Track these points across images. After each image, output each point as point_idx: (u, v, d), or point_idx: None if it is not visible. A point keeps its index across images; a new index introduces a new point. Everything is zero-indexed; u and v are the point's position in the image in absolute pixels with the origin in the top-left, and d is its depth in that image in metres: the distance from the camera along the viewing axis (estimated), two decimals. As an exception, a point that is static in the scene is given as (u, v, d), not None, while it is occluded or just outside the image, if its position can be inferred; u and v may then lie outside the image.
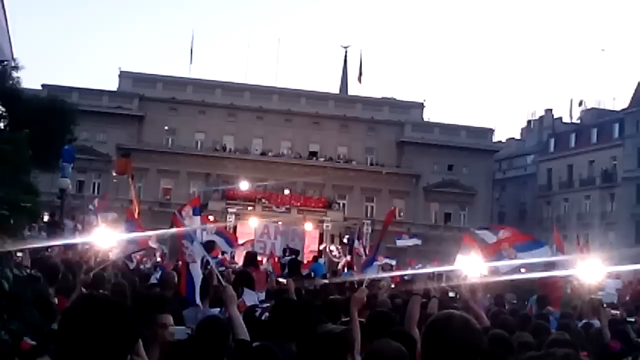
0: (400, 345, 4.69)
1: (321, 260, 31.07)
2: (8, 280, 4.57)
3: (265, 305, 7.62)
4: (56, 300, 8.07)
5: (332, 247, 32.76)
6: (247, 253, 17.62)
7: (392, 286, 17.86)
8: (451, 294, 13.57)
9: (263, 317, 6.99)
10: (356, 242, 27.53)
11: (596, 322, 10.04)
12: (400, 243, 24.20)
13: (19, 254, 8.33)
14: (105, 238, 16.92)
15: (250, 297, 9.40)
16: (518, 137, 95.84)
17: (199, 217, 16.93)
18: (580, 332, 9.23)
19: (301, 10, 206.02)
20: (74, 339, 2.74)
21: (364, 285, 8.76)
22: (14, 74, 42.78)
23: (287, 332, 5.50)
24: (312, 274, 22.81)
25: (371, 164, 76.98)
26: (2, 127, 41.27)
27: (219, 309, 8.29)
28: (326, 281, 17.11)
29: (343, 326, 6.25)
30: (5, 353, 4.25)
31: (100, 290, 9.60)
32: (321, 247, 40.43)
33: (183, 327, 6.27)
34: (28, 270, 6.54)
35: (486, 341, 3.82)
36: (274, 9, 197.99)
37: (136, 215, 26.69)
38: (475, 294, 7.42)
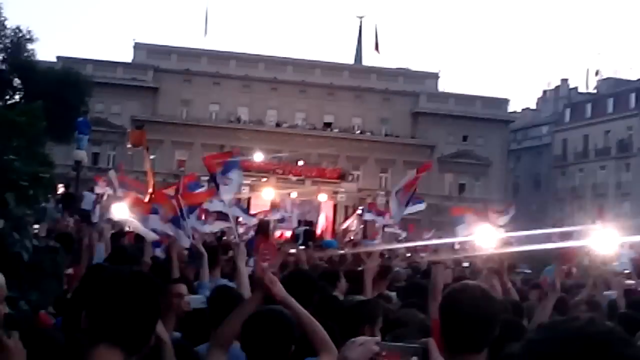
0: (424, 318, 4.72)
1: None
2: (27, 251, 4.60)
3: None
4: (71, 271, 8.15)
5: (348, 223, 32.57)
6: (260, 221, 17.53)
7: (408, 255, 17.90)
8: (465, 264, 13.60)
9: None
10: (367, 214, 27.33)
11: (612, 294, 10.03)
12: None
13: (36, 225, 8.37)
14: (122, 211, 16.94)
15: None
16: (533, 107, 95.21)
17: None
18: (598, 302, 9.22)
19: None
20: (101, 312, 2.76)
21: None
22: (29, 46, 42.93)
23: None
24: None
25: (386, 135, 76.73)
26: (18, 99, 41.44)
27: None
28: (342, 252, 17.10)
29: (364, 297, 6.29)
30: (25, 323, 4.29)
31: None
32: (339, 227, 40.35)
33: (200, 296, 6.33)
34: (45, 241, 6.59)
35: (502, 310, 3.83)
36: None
37: (151, 189, 26.70)
38: (501, 265, 7.38)
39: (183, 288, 6.09)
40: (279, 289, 4.16)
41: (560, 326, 1.77)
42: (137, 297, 2.78)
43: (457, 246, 14.39)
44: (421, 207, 21.49)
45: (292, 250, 11.33)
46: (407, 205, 14.90)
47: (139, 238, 11.26)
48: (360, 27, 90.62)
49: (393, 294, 8.54)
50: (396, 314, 5.65)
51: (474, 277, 7.89)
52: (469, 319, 3.53)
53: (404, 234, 27.38)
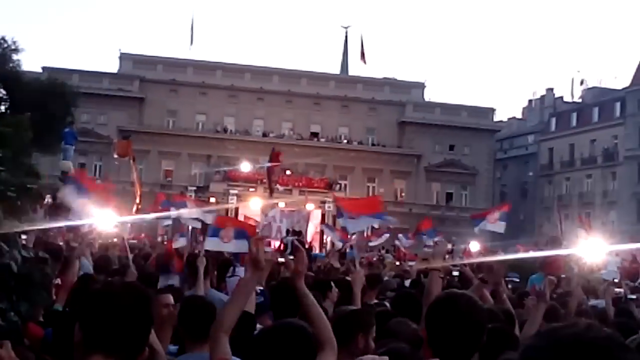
0: (416, 328, 4.71)
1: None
2: (17, 262, 4.58)
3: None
4: (59, 281, 8.12)
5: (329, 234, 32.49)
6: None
7: (397, 264, 17.93)
8: (454, 273, 13.60)
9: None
10: (326, 229, 27.30)
11: (598, 303, 10.07)
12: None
13: (24, 236, 8.33)
14: (107, 220, 16.89)
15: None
16: (519, 116, 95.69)
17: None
18: (588, 311, 9.25)
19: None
20: (94, 324, 2.80)
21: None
22: (14, 56, 42.74)
23: (286, 311, 5.47)
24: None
25: (372, 144, 76.87)
26: (3, 110, 41.26)
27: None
28: (331, 262, 17.11)
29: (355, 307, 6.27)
30: (15, 334, 4.26)
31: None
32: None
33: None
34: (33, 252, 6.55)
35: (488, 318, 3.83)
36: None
37: (138, 199, 26.65)
38: (498, 275, 7.39)
39: (170, 298, 6.10)
40: (301, 280, 4.20)
41: (560, 332, 1.76)
42: (129, 308, 2.82)
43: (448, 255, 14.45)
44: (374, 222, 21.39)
45: (281, 260, 11.31)
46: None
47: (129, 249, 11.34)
48: (346, 37, 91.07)
49: (386, 305, 8.53)
50: (387, 323, 5.63)
51: (464, 286, 7.88)
52: (453, 327, 3.55)
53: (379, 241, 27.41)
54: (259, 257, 4.15)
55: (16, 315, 4.44)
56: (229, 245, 9.68)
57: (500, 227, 14.71)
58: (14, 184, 5.06)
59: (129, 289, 2.98)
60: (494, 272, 7.23)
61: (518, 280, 17.13)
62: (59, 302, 7.12)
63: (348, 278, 8.71)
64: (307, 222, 46.45)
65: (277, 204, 46.71)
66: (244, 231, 9.73)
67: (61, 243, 13.32)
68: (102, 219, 11.79)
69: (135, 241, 22.37)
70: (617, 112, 75.01)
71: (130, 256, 11.20)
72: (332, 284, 8.59)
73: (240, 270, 9.78)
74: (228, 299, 4.27)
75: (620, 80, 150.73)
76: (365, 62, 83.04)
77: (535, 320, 6.26)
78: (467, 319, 3.58)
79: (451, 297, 3.74)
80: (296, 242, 7.64)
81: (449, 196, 76.82)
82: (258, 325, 5.73)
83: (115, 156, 42.41)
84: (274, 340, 3.84)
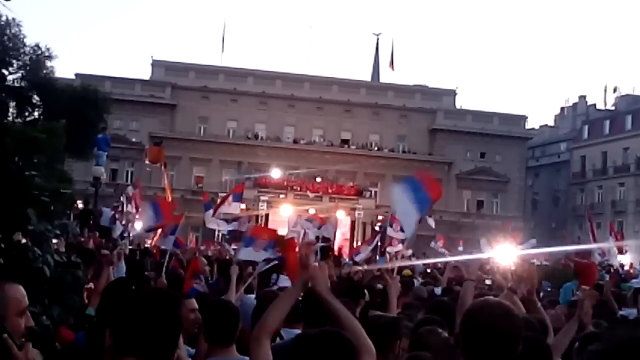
0: (448, 337, 4.67)
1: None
2: (49, 266, 4.61)
3: None
4: (91, 285, 8.17)
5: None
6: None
7: (428, 271, 17.85)
8: (487, 282, 13.52)
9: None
10: (389, 229, 27.14)
11: (631, 312, 9.95)
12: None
13: (55, 240, 8.40)
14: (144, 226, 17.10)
15: (286, 284, 9.41)
16: (551, 124, 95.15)
17: (238, 203, 17.21)
18: (619, 320, 9.14)
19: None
20: (125, 329, 2.86)
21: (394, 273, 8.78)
22: (48, 63, 43.24)
23: (319, 317, 5.44)
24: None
25: (403, 152, 76.66)
26: (37, 116, 41.72)
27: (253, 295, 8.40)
28: (360, 268, 17.07)
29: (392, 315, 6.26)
30: (47, 338, 4.30)
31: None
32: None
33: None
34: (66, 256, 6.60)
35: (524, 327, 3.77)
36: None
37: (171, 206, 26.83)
38: (531, 281, 7.28)
39: (194, 303, 6.14)
40: (320, 284, 4.10)
41: (620, 336, 1.82)
42: (159, 313, 2.89)
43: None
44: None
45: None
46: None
47: (162, 254, 11.41)
48: (377, 44, 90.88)
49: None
50: (417, 332, 5.59)
51: (496, 295, 7.82)
52: (489, 336, 3.48)
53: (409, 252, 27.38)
54: (308, 262, 4.12)
55: (48, 319, 4.47)
56: (260, 255, 9.72)
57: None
58: (47, 189, 5.09)
59: (158, 295, 3.06)
60: (526, 280, 7.15)
61: (550, 289, 16.99)
62: (91, 306, 7.16)
63: (379, 285, 8.69)
64: (335, 229, 46.41)
65: (307, 210, 46.79)
66: (275, 242, 9.73)
67: (92, 247, 13.40)
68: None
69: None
70: (651, 120, 74.34)
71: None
72: (365, 290, 8.60)
73: (282, 279, 9.79)
74: (272, 303, 4.25)
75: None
76: (393, 69, 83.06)
77: (571, 329, 6.17)
78: (503, 328, 3.51)
79: (487, 305, 3.68)
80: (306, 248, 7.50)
81: (480, 204, 76.42)
82: (290, 331, 5.68)
83: (147, 162, 42.80)
84: (314, 347, 3.73)
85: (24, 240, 4.71)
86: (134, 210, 20.13)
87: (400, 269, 13.84)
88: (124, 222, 19.19)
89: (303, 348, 3.72)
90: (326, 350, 3.64)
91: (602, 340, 1.88)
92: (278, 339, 5.55)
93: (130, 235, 19.09)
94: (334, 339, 3.70)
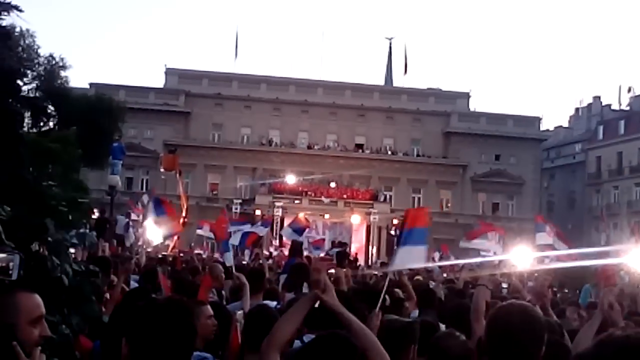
0: (466, 340, 4.66)
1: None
2: (68, 275, 4.63)
3: None
4: (107, 295, 8.21)
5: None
6: (293, 242, 17.30)
7: (444, 275, 17.79)
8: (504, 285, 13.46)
9: None
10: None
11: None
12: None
13: (72, 250, 8.45)
14: (156, 235, 17.14)
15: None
16: (566, 125, 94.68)
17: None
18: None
19: (345, 2, 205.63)
20: (142, 338, 2.91)
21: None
22: (62, 73, 43.39)
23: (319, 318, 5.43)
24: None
25: (417, 155, 76.61)
26: (52, 126, 41.88)
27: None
28: (375, 272, 17.08)
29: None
30: (67, 347, 4.31)
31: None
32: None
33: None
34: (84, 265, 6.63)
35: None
36: (317, 2, 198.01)
37: (184, 212, 26.93)
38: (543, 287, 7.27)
39: (209, 309, 6.17)
40: (332, 296, 4.08)
41: (622, 340, 1.77)
42: (174, 321, 2.93)
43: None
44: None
45: (332, 271, 11.21)
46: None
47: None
48: (390, 48, 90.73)
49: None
50: (436, 336, 5.57)
51: (512, 298, 7.79)
52: (516, 338, 3.49)
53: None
54: (319, 277, 4.12)
55: (67, 328, 4.48)
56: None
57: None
58: (64, 199, 5.12)
59: (173, 303, 3.09)
60: (538, 283, 7.14)
61: (567, 290, 16.93)
62: (107, 315, 7.19)
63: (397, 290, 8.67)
64: (351, 234, 46.48)
65: (322, 215, 46.81)
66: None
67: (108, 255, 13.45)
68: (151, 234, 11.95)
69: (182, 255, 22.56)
70: (666, 120, 73.96)
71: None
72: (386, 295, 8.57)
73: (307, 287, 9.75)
74: (283, 315, 4.25)
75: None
76: (405, 73, 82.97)
77: (590, 331, 6.14)
78: (528, 332, 3.52)
79: (513, 308, 3.68)
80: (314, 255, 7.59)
81: (496, 206, 76.14)
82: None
83: (162, 170, 42.93)
84: (322, 351, 3.76)
85: (42, 250, 4.72)
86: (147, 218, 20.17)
87: (412, 274, 13.82)
88: (138, 231, 19.21)
89: (310, 353, 3.78)
90: (331, 354, 3.72)
91: (603, 344, 1.82)
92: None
93: (144, 245, 19.12)
94: (339, 343, 3.75)
